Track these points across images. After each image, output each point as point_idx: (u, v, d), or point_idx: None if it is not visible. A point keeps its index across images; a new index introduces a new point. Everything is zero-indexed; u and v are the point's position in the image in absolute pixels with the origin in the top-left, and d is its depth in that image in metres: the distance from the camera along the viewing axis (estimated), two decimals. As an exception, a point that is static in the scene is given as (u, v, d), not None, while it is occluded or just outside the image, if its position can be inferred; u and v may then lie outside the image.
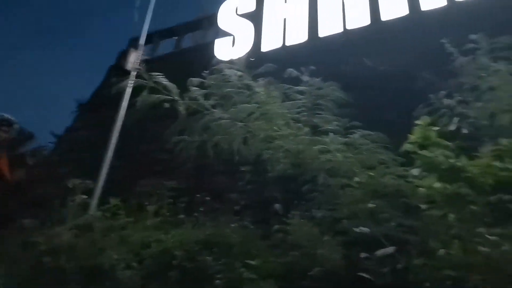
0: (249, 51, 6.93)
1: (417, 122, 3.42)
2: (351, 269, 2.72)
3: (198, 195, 4.17)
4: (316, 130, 3.78)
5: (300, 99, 4.04)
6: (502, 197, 2.55)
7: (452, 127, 3.38)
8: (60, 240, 3.58)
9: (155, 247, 3.42)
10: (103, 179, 4.61)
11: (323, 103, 3.94)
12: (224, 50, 7.28)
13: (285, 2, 7.53)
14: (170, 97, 4.11)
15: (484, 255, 2.26)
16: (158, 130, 4.37)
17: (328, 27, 6.72)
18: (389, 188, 3.02)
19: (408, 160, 3.32)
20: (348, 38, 6.26)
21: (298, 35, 6.99)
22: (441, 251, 2.44)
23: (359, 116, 3.65)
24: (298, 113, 4.00)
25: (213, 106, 4.04)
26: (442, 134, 3.40)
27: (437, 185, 2.83)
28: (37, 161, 6.22)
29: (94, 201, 4.32)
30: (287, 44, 6.95)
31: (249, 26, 7.52)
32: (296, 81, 4.08)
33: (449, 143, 3.28)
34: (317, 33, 6.76)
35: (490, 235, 2.32)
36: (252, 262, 3.06)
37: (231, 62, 4.27)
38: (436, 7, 5.73)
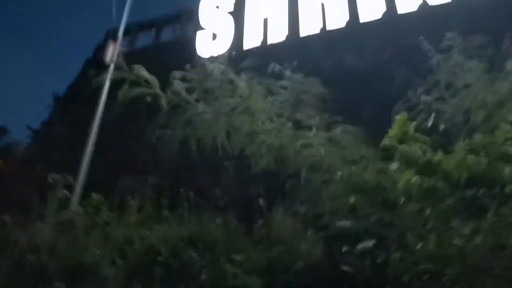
0: (230, 48, 6.94)
1: (396, 118, 3.53)
2: (333, 263, 2.79)
3: (181, 191, 4.17)
4: (298, 125, 3.83)
5: (282, 94, 4.09)
6: (476, 191, 2.67)
7: (429, 123, 3.50)
8: (41, 237, 3.53)
9: (139, 243, 3.42)
10: (84, 174, 4.53)
11: (306, 99, 4.00)
12: (205, 45, 7.26)
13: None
14: (151, 90, 4.07)
15: (459, 248, 2.37)
16: (140, 125, 4.32)
17: (308, 27, 6.83)
18: (369, 182, 3.11)
19: (387, 154, 3.42)
20: (328, 36, 6.35)
21: (278, 34, 7.08)
22: (418, 245, 2.54)
23: (340, 112, 3.73)
24: (281, 108, 4.04)
25: (196, 100, 4.03)
26: (419, 130, 3.53)
27: (415, 179, 2.94)
28: (13, 157, 6.05)
29: (75, 197, 4.26)
30: (268, 42, 7.01)
31: (230, 22, 7.51)
32: (278, 76, 4.11)
33: (426, 138, 3.40)
34: (297, 32, 6.83)
35: (463, 229, 2.42)
36: (237, 258, 3.11)
37: (213, 57, 4.27)
38: (410, 11, 5.90)
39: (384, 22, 5.86)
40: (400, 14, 5.86)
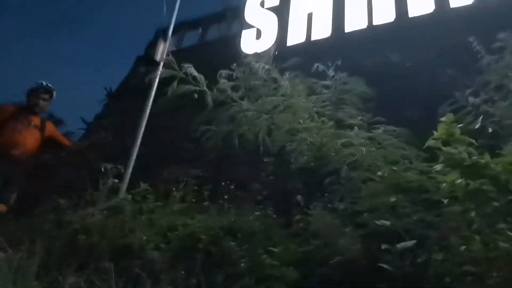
0: (274, 44, 6.99)
1: (442, 119, 3.45)
2: (371, 260, 2.78)
3: (222, 184, 4.30)
4: (340, 124, 3.85)
5: (325, 93, 4.12)
6: (524, 195, 2.57)
7: (477, 125, 3.40)
8: (92, 220, 3.79)
9: (181, 230, 3.59)
10: (132, 165, 4.79)
11: (348, 98, 4.00)
12: (250, 43, 7.37)
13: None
14: (199, 87, 4.25)
15: (505, 251, 2.31)
16: (186, 120, 4.51)
17: (354, 22, 6.71)
18: (411, 183, 3.07)
19: (432, 156, 3.35)
20: (373, 33, 6.25)
21: (323, 30, 7.01)
22: (462, 247, 2.49)
23: (383, 112, 3.70)
24: (323, 107, 4.08)
25: (240, 98, 4.16)
26: (466, 132, 3.43)
27: (460, 181, 2.87)
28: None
29: (124, 185, 4.52)
30: (312, 38, 6.98)
31: (275, 18, 7.57)
32: (322, 75, 4.15)
33: (473, 141, 3.30)
34: (342, 28, 6.77)
35: (511, 232, 2.36)
36: (274, 249, 3.19)
37: (257, 55, 4.37)
38: (464, 4, 5.67)
39: (433, 17, 5.69)
40: (451, 9, 5.65)
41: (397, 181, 3.15)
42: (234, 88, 4.24)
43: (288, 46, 7.02)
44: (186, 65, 4.13)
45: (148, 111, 5.22)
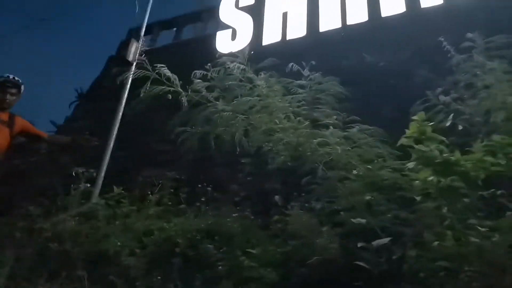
0: (250, 44, 6.96)
1: (414, 117, 3.52)
2: (348, 258, 2.81)
3: (199, 186, 4.25)
4: (316, 124, 3.87)
5: (300, 93, 4.14)
6: (494, 191, 2.66)
7: (448, 123, 3.49)
8: (65, 227, 3.67)
9: (158, 234, 3.53)
10: (105, 168, 4.67)
11: (323, 98, 4.03)
12: (225, 43, 7.32)
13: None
14: (173, 88, 4.18)
15: (476, 246, 2.37)
16: (161, 121, 4.43)
17: (328, 22, 6.76)
18: (386, 181, 3.12)
19: (405, 154, 3.42)
20: (348, 33, 6.32)
21: (298, 29, 7.03)
22: (435, 243, 2.54)
23: (358, 111, 3.75)
24: (299, 106, 4.09)
25: (216, 98, 4.11)
26: (437, 130, 3.52)
27: (432, 178, 2.94)
28: (37, 150, 6.27)
29: (97, 190, 4.40)
30: (287, 38, 6.99)
31: (250, 18, 7.55)
32: (297, 75, 4.16)
33: (444, 138, 3.39)
34: (317, 28, 6.81)
35: (481, 227, 2.42)
36: (252, 251, 3.17)
37: (232, 55, 4.33)
38: (434, 4, 5.81)
39: (405, 17, 5.79)
40: (422, 9, 5.76)
41: (372, 179, 3.19)
42: (209, 89, 4.20)
43: (264, 46, 7.01)
44: (159, 66, 4.05)
45: (121, 112, 5.11)
